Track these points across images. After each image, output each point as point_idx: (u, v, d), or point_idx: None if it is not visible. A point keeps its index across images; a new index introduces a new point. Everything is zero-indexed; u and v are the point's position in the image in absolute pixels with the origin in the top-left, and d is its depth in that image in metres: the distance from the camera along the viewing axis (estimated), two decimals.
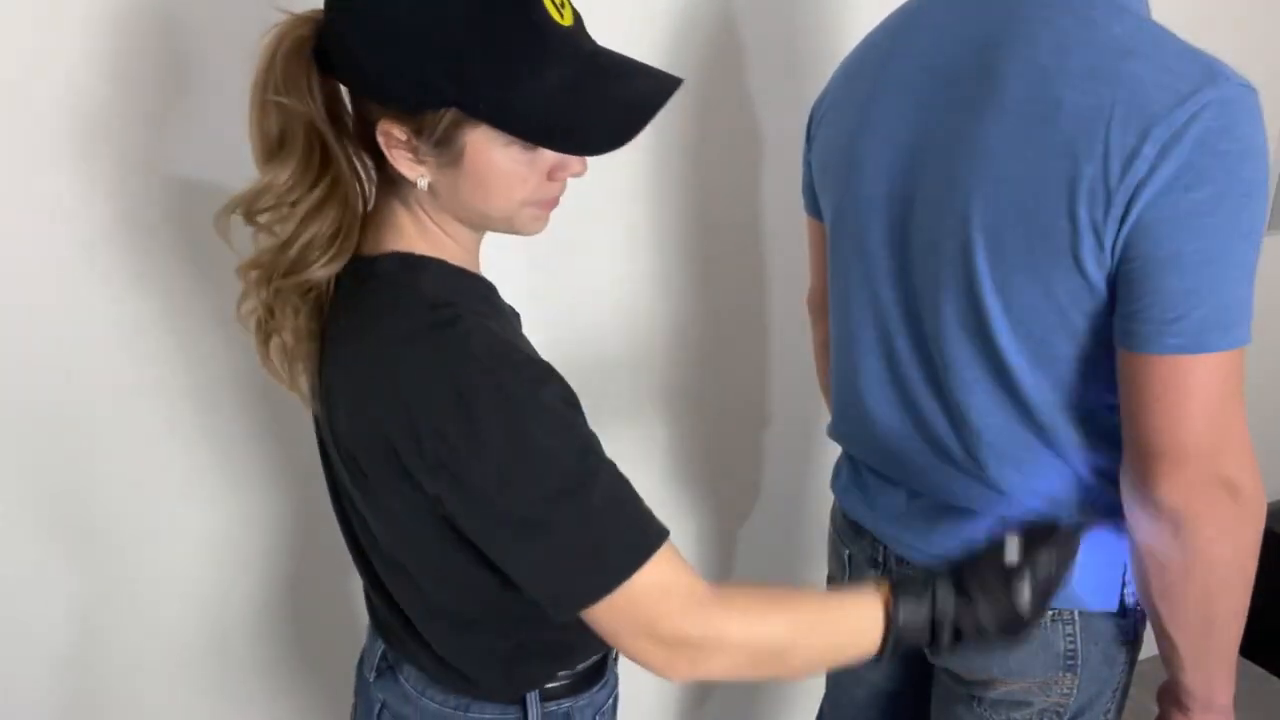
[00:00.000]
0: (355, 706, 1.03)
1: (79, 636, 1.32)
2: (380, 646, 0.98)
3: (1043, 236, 0.83)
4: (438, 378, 0.74)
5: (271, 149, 0.77)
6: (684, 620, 0.76)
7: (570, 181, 1.44)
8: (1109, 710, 1.04)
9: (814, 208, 1.15)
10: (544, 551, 0.75)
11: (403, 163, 0.77)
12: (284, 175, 0.76)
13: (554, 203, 0.83)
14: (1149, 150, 0.77)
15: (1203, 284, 0.78)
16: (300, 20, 0.77)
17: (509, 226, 0.83)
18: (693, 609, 0.76)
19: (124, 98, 1.16)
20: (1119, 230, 0.80)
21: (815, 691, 1.37)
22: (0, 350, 1.18)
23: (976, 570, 0.83)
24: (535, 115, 0.73)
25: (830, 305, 1.11)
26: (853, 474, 1.15)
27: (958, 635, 0.81)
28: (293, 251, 0.78)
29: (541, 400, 0.75)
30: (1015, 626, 0.82)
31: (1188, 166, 0.77)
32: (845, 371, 1.09)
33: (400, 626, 0.92)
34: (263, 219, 0.79)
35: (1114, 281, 0.83)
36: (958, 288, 0.91)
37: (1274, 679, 2.21)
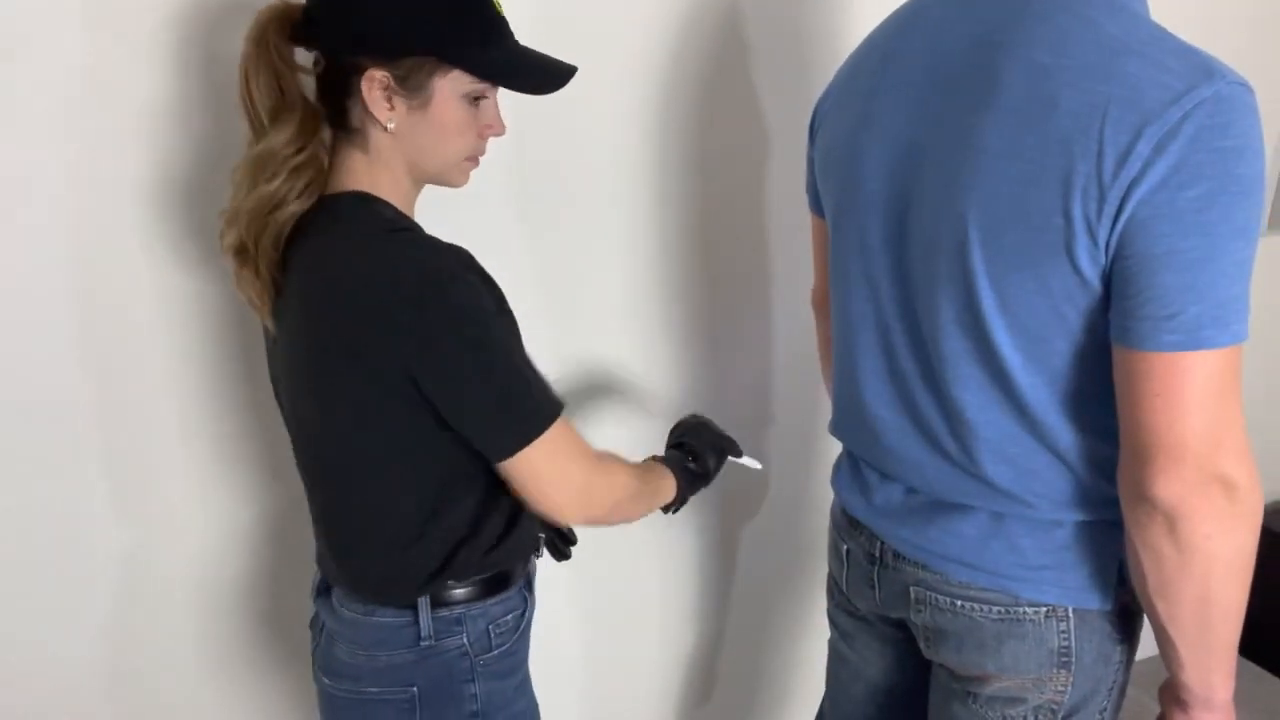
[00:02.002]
0: (311, 637, 1.18)
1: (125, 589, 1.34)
2: (320, 573, 1.15)
3: (1038, 233, 0.84)
4: (406, 261, 0.91)
5: (271, 114, 0.94)
6: (578, 466, 1.01)
7: (573, 179, 1.46)
8: (1105, 709, 1.04)
9: (817, 205, 1.16)
10: (499, 397, 0.94)
11: (379, 106, 0.96)
12: (283, 137, 0.94)
13: (477, 162, 1.04)
14: (1143, 148, 0.78)
15: (1198, 281, 0.78)
16: (284, 4, 0.96)
17: (445, 175, 1.03)
18: (583, 459, 1.02)
19: (139, 101, 1.17)
20: (1113, 227, 0.80)
21: (814, 691, 1.38)
22: (20, 349, 1.21)
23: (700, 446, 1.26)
24: (495, 65, 0.98)
25: (831, 302, 1.12)
26: (852, 470, 1.15)
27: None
28: (276, 199, 0.95)
29: (489, 293, 0.95)
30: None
31: (1182, 164, 0.77)
32: (845, 367, 1.10)
33: (328, 549, 1.09)
34: (265, 172, 0.96)
35: (1109, 278, 0.83)
36: (955, 284, 0.91)
37: (1273, 678, 2.20)
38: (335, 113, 0.99)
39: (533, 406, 0.96)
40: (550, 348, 1.51)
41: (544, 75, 1.02)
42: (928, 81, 0.94)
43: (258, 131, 0.96)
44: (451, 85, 0.97)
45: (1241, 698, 0.97)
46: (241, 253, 0.98)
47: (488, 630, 1.07)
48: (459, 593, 1.05)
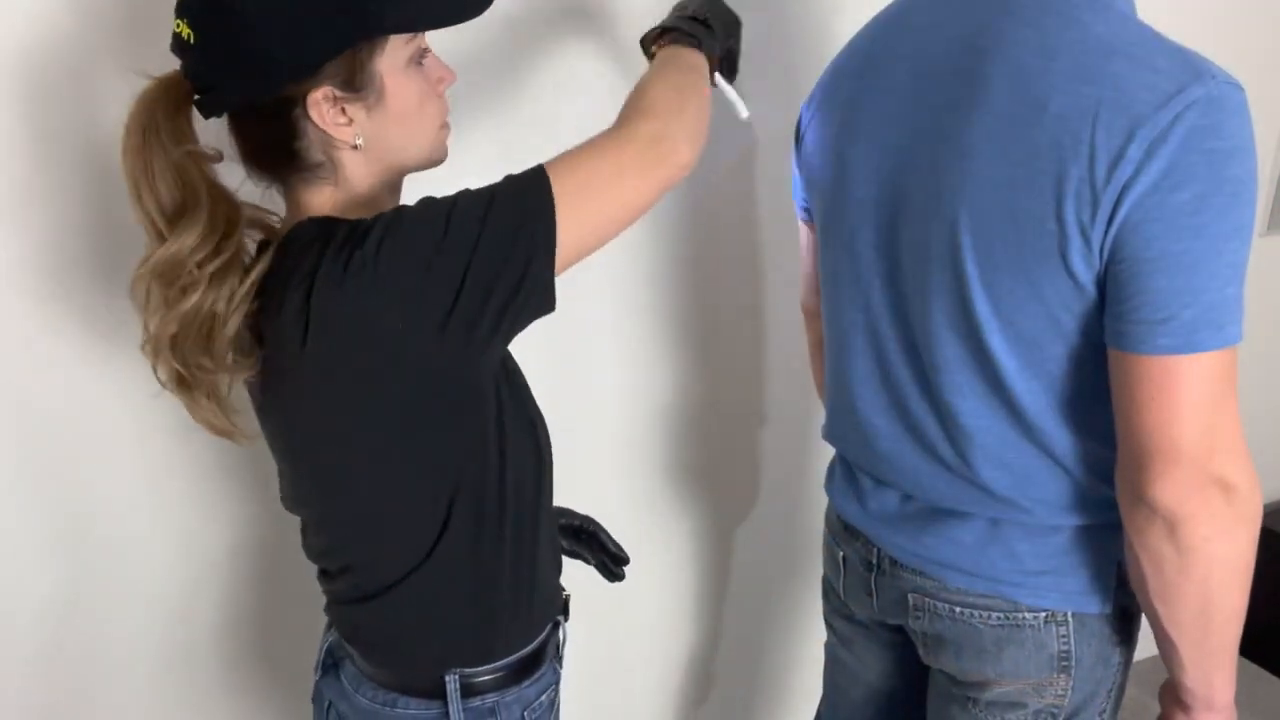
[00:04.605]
0: (314, 712, 1.07)
1: (48, 635, 1.32)
2: (328, 641, 1.05)
3: (1030, 238, 0.83)
4: (354, 228, 0.81)
5: (172, 214, 0.81)
6: (633, 143, 0.86)
7: None
8: (1104, 710, 1.04)
9: (804, 211, 1.15)
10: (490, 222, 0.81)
11: (339, 127, 0.85)
12: (192, 237, 0.80)
13: (448, 127, 0.94)
14: (1135, 151, 0.77)
15: (1192, 284, 0.78)
16: (166, 80, 0.83)
17: (429, 156, 0.92)
18: (618, 133, 0.87)
19: (104, 77, 1.14)
20: (1106, 231, 0.79)
21: (813, 692, 1.37)
22: None
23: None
24: (424, 6, 0.85)
25: (822, 308, 1.11)
26: (846, 476, 1.14)
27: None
28: (204, 317, 0.81)
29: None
30: None
31: (1174, 166, 0.76)
32: (837, 374, 1.09)
33: (344, 606, 0.98)
34: (175, 287, 0.82)
35: (1103, 282, 0.82)
36: (947, 290, 0.90)
37: (1273, 678, 2.21)
38: (285, 161, 0.87)
39: (516, 196, 0.83)
40: (540, 349, 1.50)
41: None
42: (913, 86, 0.93)
43: (156, 237, 0.81)
44: (393, 59, 0.85)
45: (1241, 698, 0.97)
46: (183, 386, 0.87)
47: (523, 717, 0.99)
48: (490, 679, 0.96)
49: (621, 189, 0.86)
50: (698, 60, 0.98)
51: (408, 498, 0.90)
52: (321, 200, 0.89)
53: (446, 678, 0.94)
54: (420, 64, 0.88)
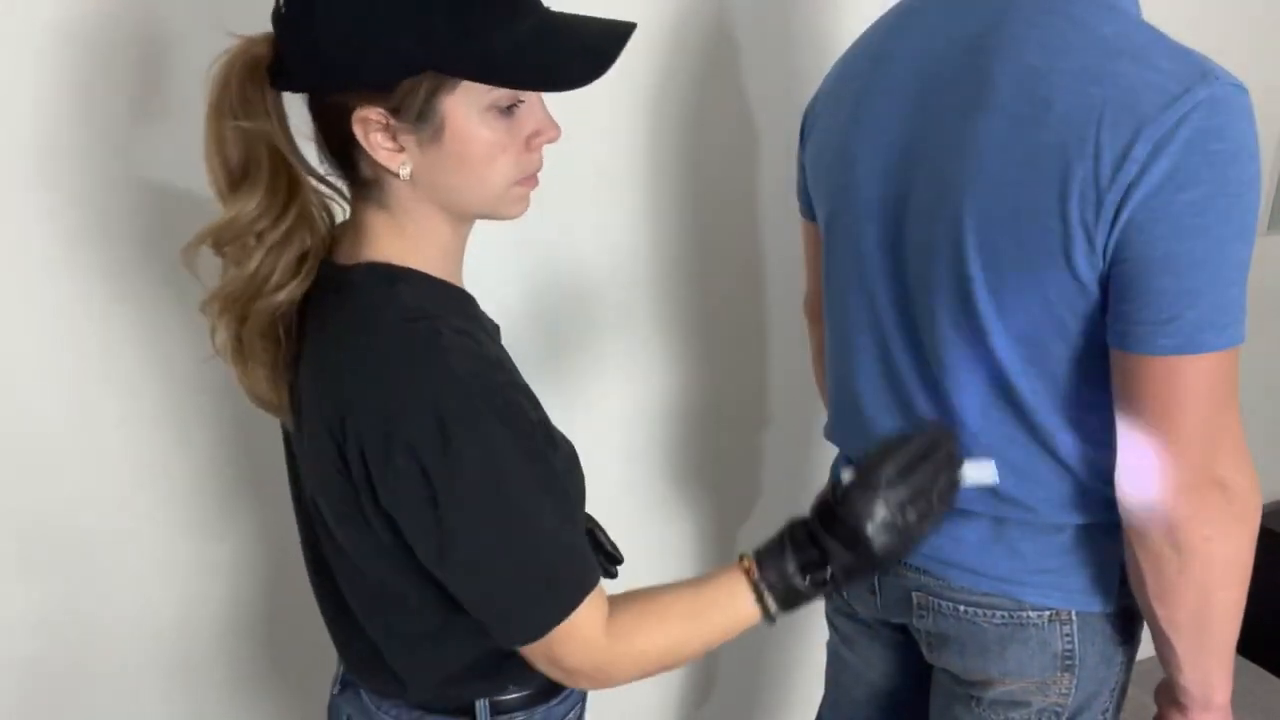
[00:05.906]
0: None
1: (43, 649, 1.31)
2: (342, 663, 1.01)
3: (1034, 237, 0.83)
4: (417, 395, 0.75)
5: (235, 179, 0.77)
6: (585, 657, 0.84)
7: (567, 182, 1.45)
8: (1107, 709, 1.04)
9: (808, 210, 1.15)
10: (494, 585, 0.80)
11: (382, 152, 0.77)
12: (251, 205, 0.77)
13: (535, 179, 0.83)
14: (1140, 151, 0.77)
15: (1196, 284, 0.78)
16: (252, 41, 0.77)
17: (494, 208, 0.83)
18: (592, 649, 0.84)
19: (95, 108, 1.15)
20: (1110, 231, 0.80)
21: (815, 692, 1.38)
22: None
23: (820, 505, 0.91)
24: (510, 62, 0.74)
25: (825, 307, 1.11)
26: None
27: (846, 573, 0.87)
28: (259, 281, 0.79)
29: (517, 428, 0.78)
30: (865, 555, 0.86)
31: (1179, 167, 0.77)
32: (841, 374, 1.09)
33: (357, 645, 0.94)
34: (230, 250, 0.80)
35: (1106, 282, 0.83)
36: (951, 289, 0.91)
37: (1272, 678, 2.21)
38: (344, 164, 0.82)
39: (550, 590, 0.80)
40: (543, 349, 1.51)
41: (592, 45, 0.76)
42: (919, 84, 0.93)
43: (221, 199, 0.78)
44: (465, 100, 0.75)
45: (1241, 698, 0.97)
46: (237, 356, 0.83)
47: None
48: (518, 697, 0.94)
49: (529, 632, 0.82)
50: (745, 617, 0.89)
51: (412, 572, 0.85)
52: (376, 222, 0.82)
53: (476, 702, 0.93)
54: (506, 112, 0.78)
